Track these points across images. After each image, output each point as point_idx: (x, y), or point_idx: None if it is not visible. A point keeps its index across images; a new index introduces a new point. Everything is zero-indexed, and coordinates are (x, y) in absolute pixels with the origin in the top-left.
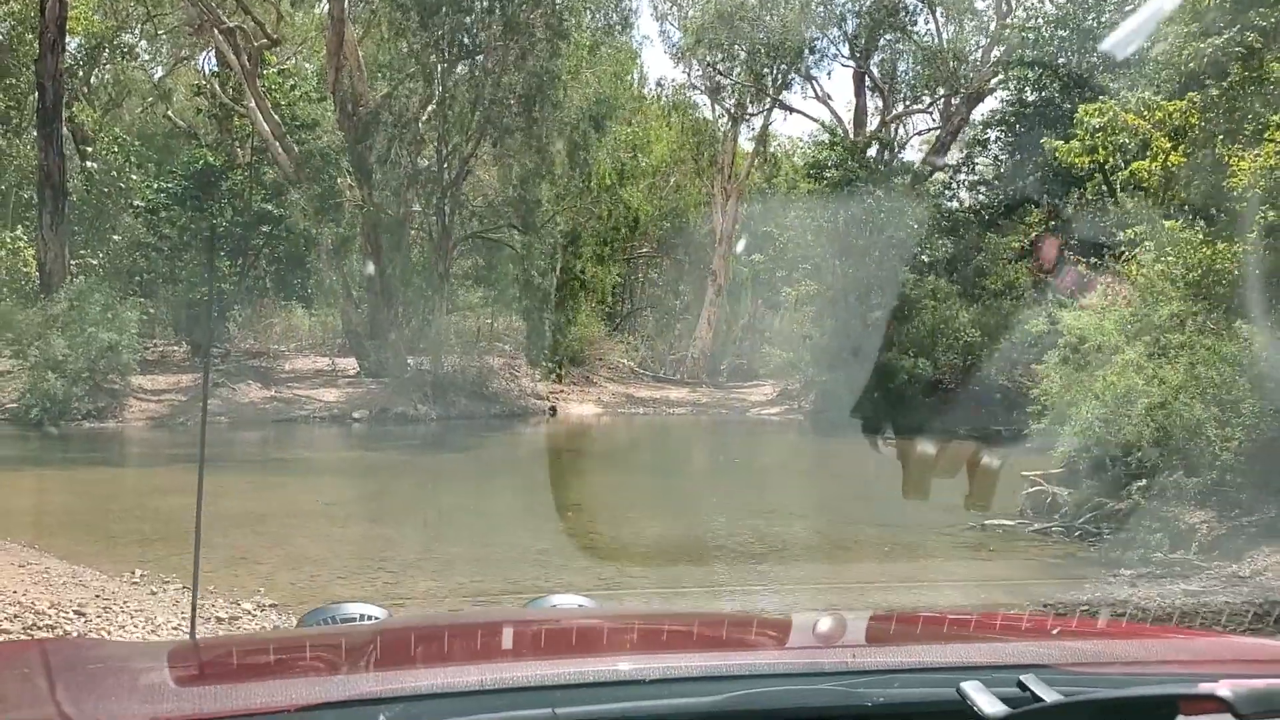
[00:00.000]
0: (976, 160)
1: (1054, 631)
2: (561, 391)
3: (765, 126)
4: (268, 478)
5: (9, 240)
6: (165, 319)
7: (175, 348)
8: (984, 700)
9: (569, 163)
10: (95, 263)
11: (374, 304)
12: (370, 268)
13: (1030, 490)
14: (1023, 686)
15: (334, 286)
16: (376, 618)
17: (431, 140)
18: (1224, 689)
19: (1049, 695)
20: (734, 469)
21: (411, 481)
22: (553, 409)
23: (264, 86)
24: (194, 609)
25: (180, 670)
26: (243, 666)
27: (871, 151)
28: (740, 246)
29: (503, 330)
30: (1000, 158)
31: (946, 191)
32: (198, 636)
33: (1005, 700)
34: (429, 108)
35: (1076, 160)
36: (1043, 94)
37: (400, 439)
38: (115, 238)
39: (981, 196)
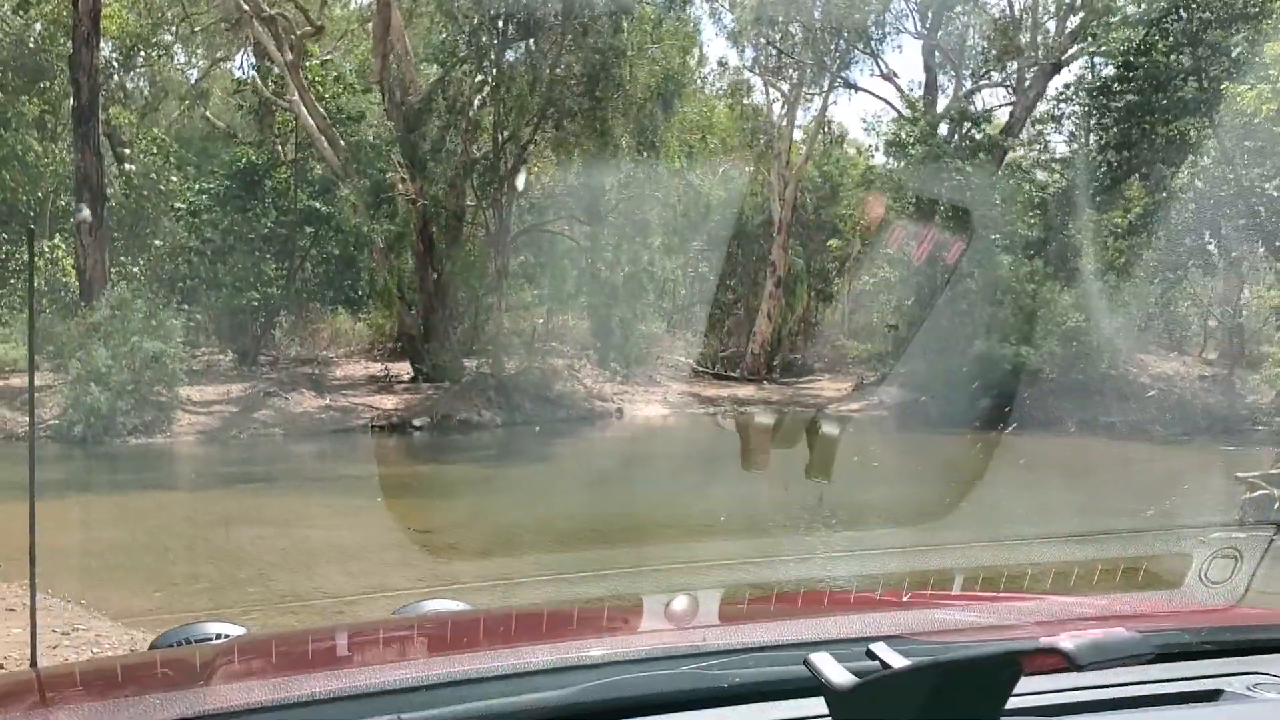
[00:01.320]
0: (1070, 131)
1: (906, 601)
2: (625, 392)
3: (824, 109)
4: (343, 499)
5: (48, 249)
6: (209, 327)
7: (221, 356)
8: (832, 671)
9: (636, 146)
10: (136, 270)
11: (428, 304)
12: (425, 265)
13: (1254, 495)
14: (871, 655)
15: (387, 286)
16: (231, 636)
17: (487, 127)
18: (1064, 641)
19: (897, 663)
20: (882, 473)
21: (504, 500)
22: (619, 411)
23: (307, 79)
24: (34, 633)
25: (18, 701)
26: (86, 693)
27: (943, 128)
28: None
29: (559, 329)
30: (1103, 125)
31: (1036, 167)
32: (40, 666)
33: (855, 672)
34: (483, 92)
35: (1263, 107)
36: (1150, 55)
37: (470, 449)
38: (157, 242)
39: (1079, 170)
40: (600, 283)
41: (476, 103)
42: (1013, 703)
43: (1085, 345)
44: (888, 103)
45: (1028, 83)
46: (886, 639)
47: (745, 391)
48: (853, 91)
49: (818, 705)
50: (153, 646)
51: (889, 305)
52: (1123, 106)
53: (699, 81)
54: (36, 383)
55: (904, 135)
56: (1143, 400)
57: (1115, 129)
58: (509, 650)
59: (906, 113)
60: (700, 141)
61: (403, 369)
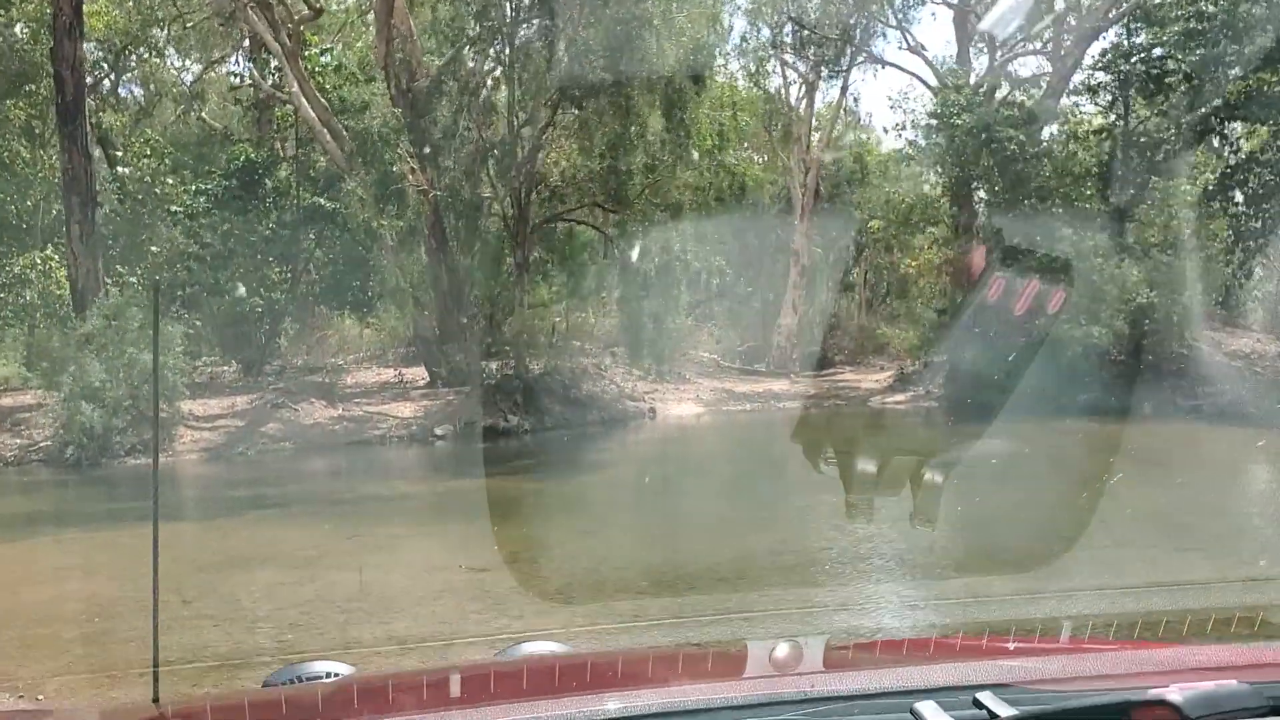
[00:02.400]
0: (1118, 94)
1: (1012, 650)
2: (655, 391)
3: (845, 86)
4: (370, 527)
5: (39, 260)
6: (211, 337)
7: (225, 368)
8: None
9: (665, 124)
10: (134, 279)
11: (443, 303)
12: (438, 261)
13: None
14: (978, 704)
15: (398, 285)
16: (342, 675)
17: (502, 110)
18: (1174, 694)
19: (1004, 712)
20: (1009, 473)
21: (563, 525)
22: (652, 411)
23: (307, 69)
24: (156, 665)
25: None
26: None
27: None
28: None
29: (582, 325)
30: (1164, 84)
31: (1091, 135)
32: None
33: None
34: (496, 73)
35: None
36: (1220, 5)
37: (503, 459)
38: (154, 249)
39: (1138, 135)
40: (630, 273)
41: (489, 84)
42: None
43: (1156, 323)
44: (917, 77)
45: (1063, 51)
46: (993, 688)
47: (779, 386)
48: (878, 67)
49: None
50: (265, 685)
51: (934, 289)
52: (1195, 60)
53: (722, 58)
54: (27, 400)
55: (948, 105)
56: (1225, 381)
57: (1182, 87)
58: (616, 694)
59: (936, 86)
60: (731, 120)
61: (417, 374)
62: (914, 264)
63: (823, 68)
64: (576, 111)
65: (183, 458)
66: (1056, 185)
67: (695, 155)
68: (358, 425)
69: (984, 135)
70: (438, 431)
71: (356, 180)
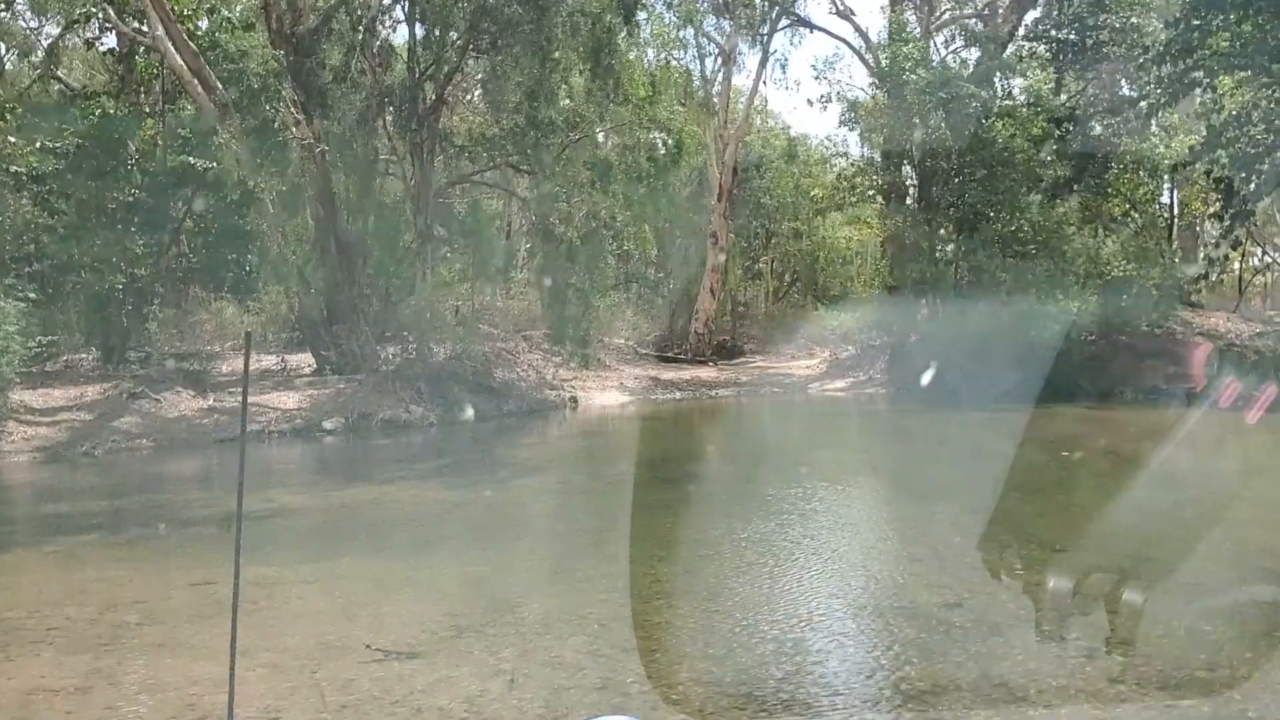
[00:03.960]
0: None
1: None
2: (574, 378)
3: (765, 58)
4: (229, 564)
5: None
6: (67, 320)
7: (83, 355)
8: None
9: (591, 68)
10: None
11: (332, 278)
12: (327, 229)
13: None
14: None
15: (281, 255)
16: None
17: (402, 52)
18: None
19: None
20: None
21: (507, 555)
22: (573, 400)
23: (175, 12)
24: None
25: None
26: None
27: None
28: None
29: (491, 305)
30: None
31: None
32: None
33: None
34: (397, 10)
35: None
36: None
37: (406, 458)
38: None
39: (1105, 96)
40: (554, 242)
41: (388, 23)
42: None
43: (1135, 299)
44: (846, 43)
45: (1001, 13)
46: None
47: (706, 374)
48: (806, 32)
49: None
50: None
51: (875, 268)
52: (1192, 2)
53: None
54: None
55: (899, 60)
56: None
57: (1170, 33)
58: None
59: (881, 43)
60: (664, 67)
61: (304, 360)
62: (848, 242)
63: (744, 31)
64: (488, 55)
65: (9, 459)
66: (1021, 149)
67: (626, 106)
68: (230, 418)
69: (942, 92)
70: (326, 425)
71: (229, 131)
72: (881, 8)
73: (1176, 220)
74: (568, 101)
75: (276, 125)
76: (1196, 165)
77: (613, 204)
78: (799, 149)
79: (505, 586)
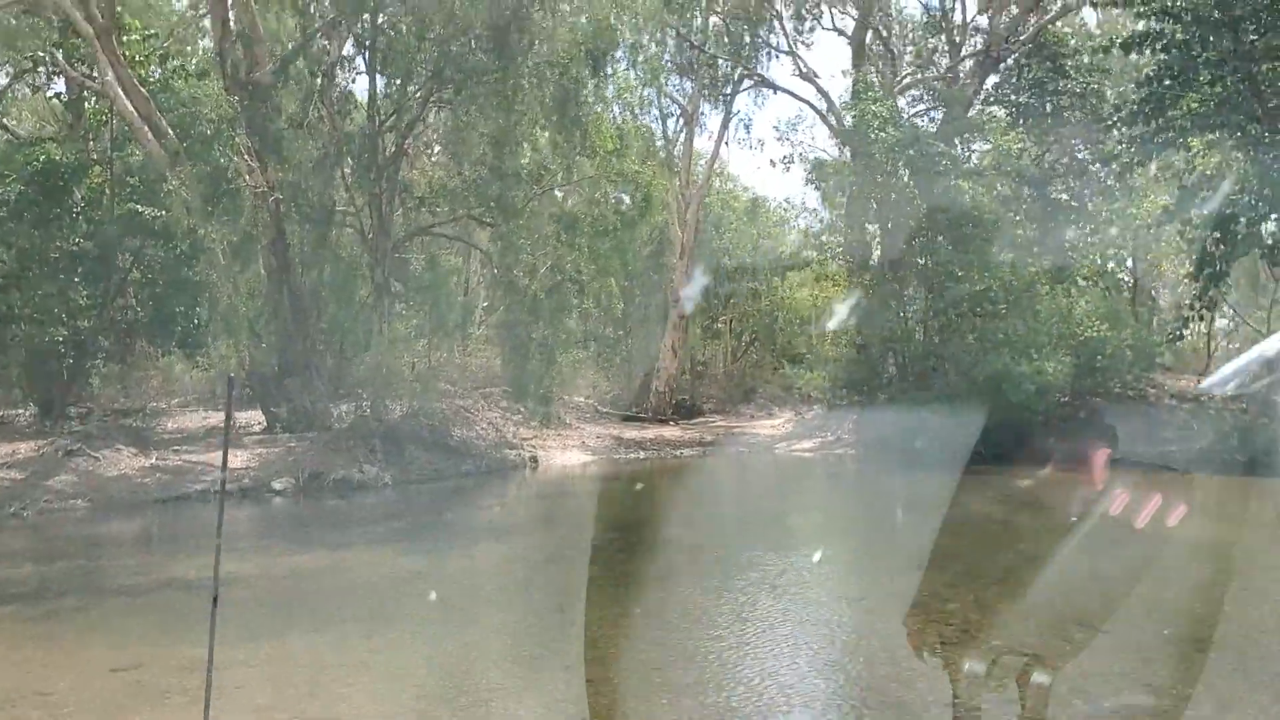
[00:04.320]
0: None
1: None
2: (534, 437)
3: (727, 119)
4: (162, 646)
5: None
6: (8, 376)
7: (20, 411)
8: None
9: (558, 119)
10: None
11: (284, 332)
12: (280, 281)
13: None
14: None
15: (232, 306)
16: None
17: (362, 102)
18: None
19: None
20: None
21: (483, 635)
22: (534, 460)
23: (125, 55)
24: None
25: None
26: None
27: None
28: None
29: (448, 362)
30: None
31: (1023, 154)
32: None
33: None
34: (358, 54)
35: None
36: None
37: (361, 520)
38: None
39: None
40: (518, 294)
41: (348, 68)
42: None
43: (1110, 360)
44: (809, 104)
45: (963, 77)
46: None
47: (670, 433)
48: (770, 93)
49: None
50: None
51: (845, 328)
52: (1165, 63)
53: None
54: None
55: (865, 119)
56: (1193, 425)
57: (1143, 93)
58: None
59: (847, 102)
60: (632, 120)
61: (253, 417)
62: (815, 299)
63: (706, 91)
64: (451, 105)
65: None
66: (989, 209)
67: (594, 157)
68: (174, 477)
69: (910, 150)
70: (276, 485)
71: (179, 178)
72: (844, 71)
73: (1138, 282)
74: (533, 154)
75: (229, 173)
76: (1168, 227)
77: (578, 257)
78: (758, 210)
79: (478, 674)
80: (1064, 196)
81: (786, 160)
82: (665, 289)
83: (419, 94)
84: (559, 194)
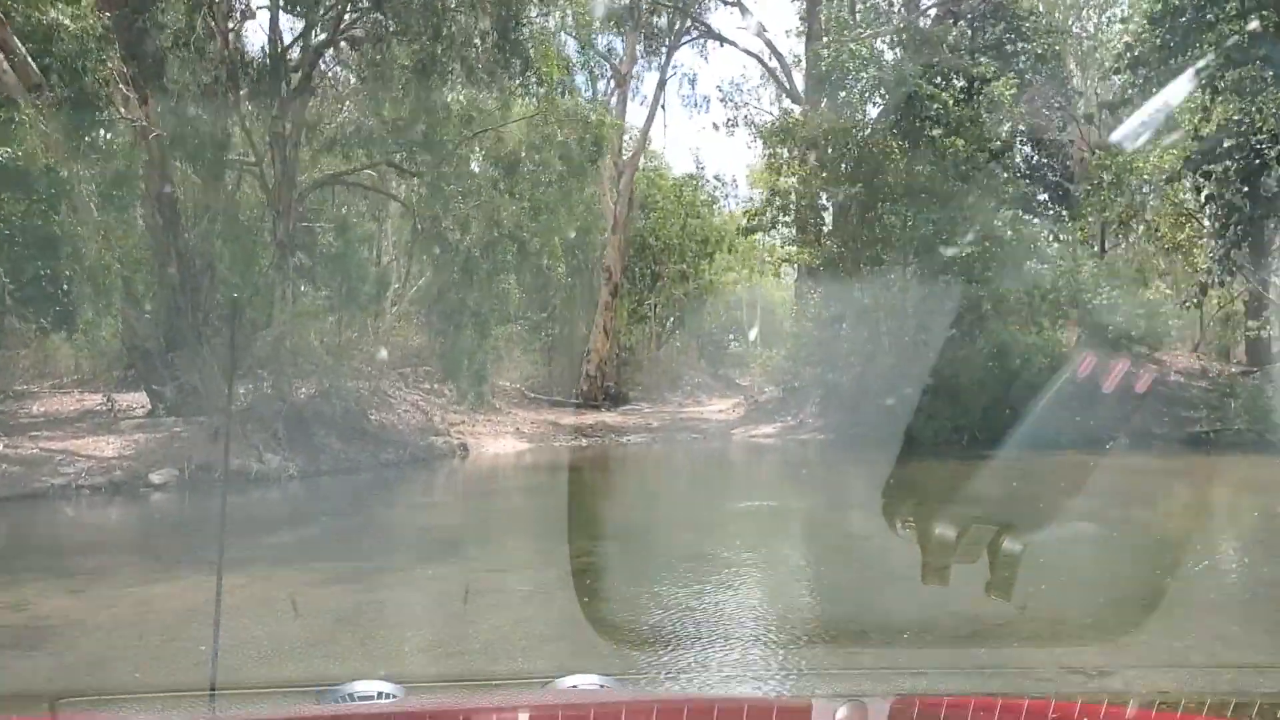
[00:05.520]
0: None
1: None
2: (462, 422)
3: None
4: None
5: None
6: None
7: None
8: None
9: (496, 45)
10: None
11: (171, 300)
12: (165, 237)
13: None
14: None
15: (104, 265)
16: (394, 696)
17: (262, 20)
18: None
19: None
20: None
21: None
22: (463, 447)
23: None
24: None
25: None
26: None
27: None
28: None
29: (362, 334)
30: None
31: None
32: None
33: None
34: None
35: None
36: None
37: (262, 524)
38: None
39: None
40: (450, 255)
41: None
42: None
43: (1119, 329)
44: (759, 60)
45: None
46: None
47: (611, 418)
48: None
49: None
50: (318, 700)
51: (810, 300)
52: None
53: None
54: None
55: (841, 59)
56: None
57: (1159, 30)
58: None
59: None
60: (585, 52)
61: (136, 400)
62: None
63: (643, 45)
64: (371, 21)
65: None
66: (981, 165)
67: (539, 91)
68: (27, 469)
69: (903, 90)
70: (155, 478)
71: (36, 104)
72: (790, 31)
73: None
74: (465, 87)
75: (100, 103)
76: (1183, 180)
77: (519, 211)
78: (687, 188)
79: None
80: (1065, 143)
81: (730, 123)
82: (594, 265)
83: (331, 10)
84: (495, 136)
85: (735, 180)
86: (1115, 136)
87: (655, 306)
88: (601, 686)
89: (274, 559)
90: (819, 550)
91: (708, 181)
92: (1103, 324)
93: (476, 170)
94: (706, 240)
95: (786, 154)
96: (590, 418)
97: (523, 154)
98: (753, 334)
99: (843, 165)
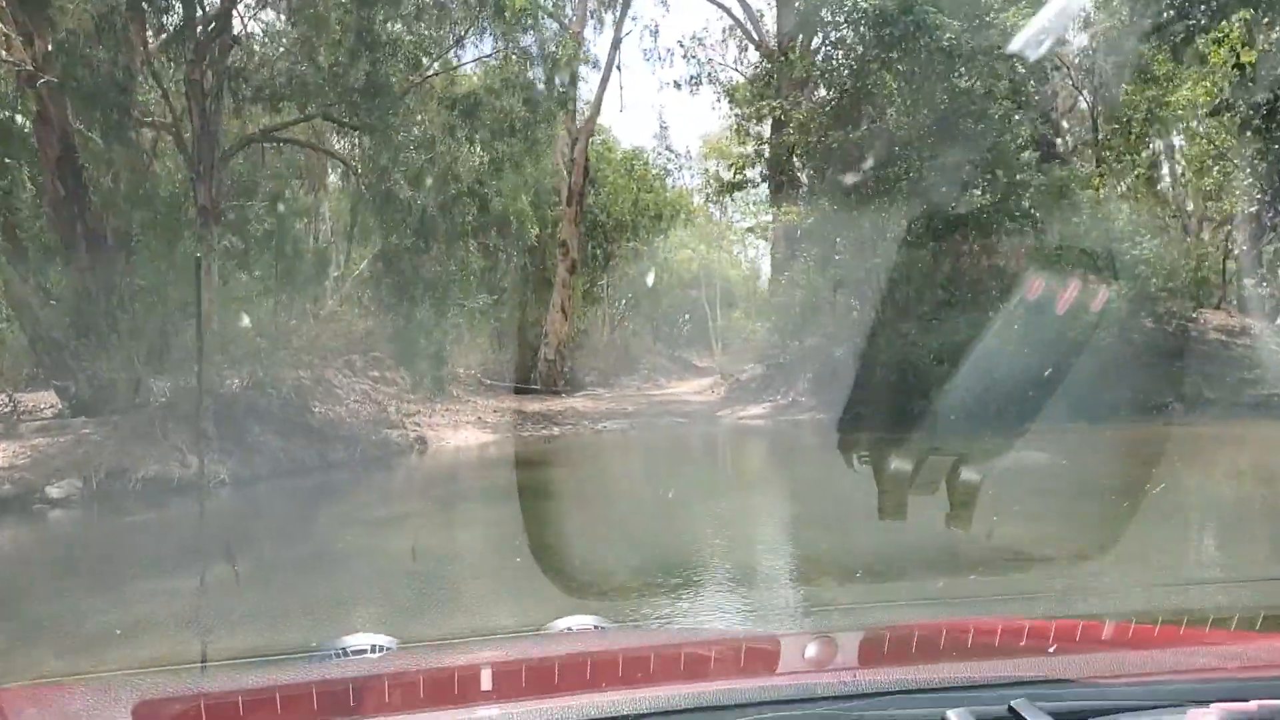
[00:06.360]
0: None
1: (1053, 641)
2: (417, 413)
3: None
4: None
5: None
6: None
7: None
8: None
9: None
10: None
11: (79, 282)
12: (70, 207)
13: None
14: (1013, 711)
15: None
16: (387, 648)
17: None
18: (1213, 716)
19: None
20: None
21: None
22: (421, 441)
23: None
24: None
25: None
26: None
27: None
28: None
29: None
30: None
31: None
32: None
33: None
34: None
35: None
36: None
37: (179, 556)
38: None
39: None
40: (396, 214)
41: None
42: None
43: (1159, 284)
44: (727, 11)
45: None
46: (1029, 684)
47: (580, 404)
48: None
49: None
50: (311, 655)
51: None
52: None
53: None
54: None
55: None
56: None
57: None
58: (649, 689)
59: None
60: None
61: (43, 399)
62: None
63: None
64: None
65: None
66: (1001, 106)
67: (503, 27)
68: None
69: (909, 18)
70: (53, 491)
71: None
72: None
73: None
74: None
75: None
76: (1222, 116)
77: (480, 167)
78: (636, 163)
79: None
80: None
81: (694, 80)
82: (546, 241)
83: None
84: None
85: (689, 152)
86: (1142, 71)
87: (607, 287)
88: (595, 628)
89: (184, 623)
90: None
91: (660, 154)
92: (1143, 278)
93: (428, 120)
94: (660, 216)
95: (771, 101)
96: (556, 404)
97: (482, 96)
98: (716, 313)
99: (836, 108)
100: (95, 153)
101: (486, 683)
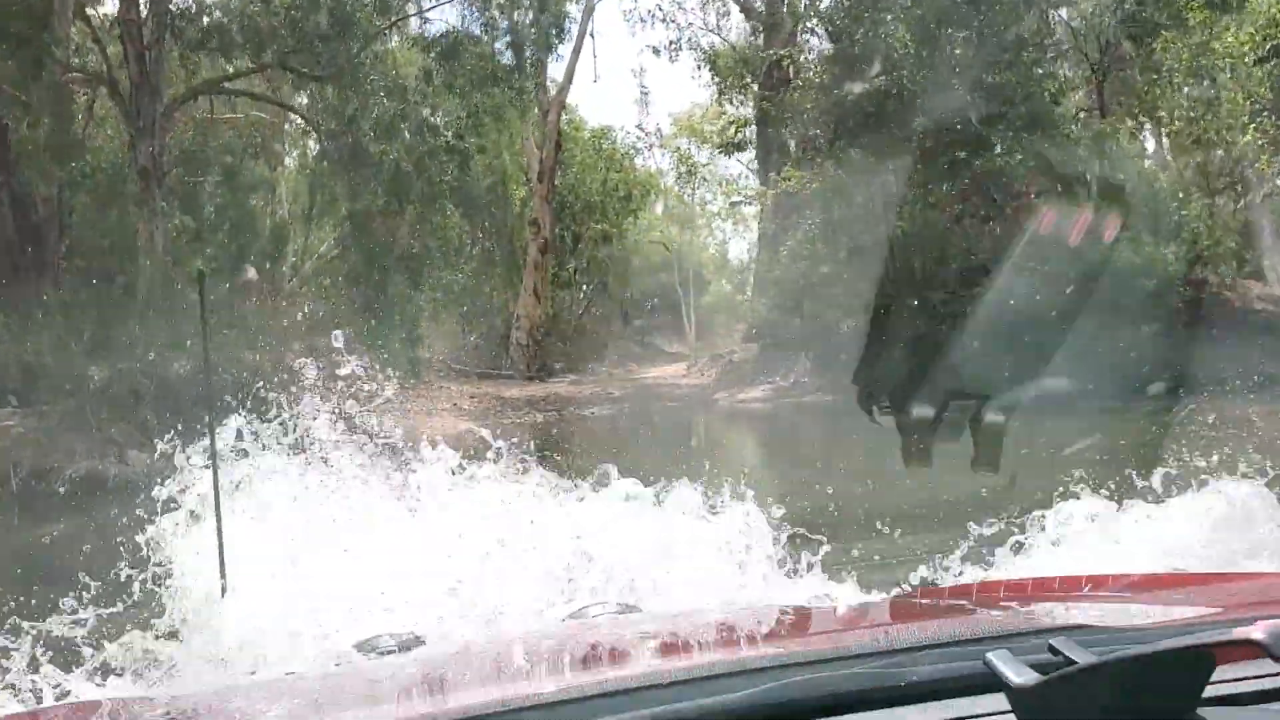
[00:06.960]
0: None
1: (1086, 589)
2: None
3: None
4: None
5: None
6: None
7: None
8: (1011, 670)
9: None
10: None
11: (8, 254)
12: None
13: None
14: (1054, 650)
15: None
16: (420, 641)
17: None
18: (1258, 631)
19: (1081, 658)
20: None
21: None
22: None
23: None
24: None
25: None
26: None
27: None
28: None
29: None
30: None
31: None
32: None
33: (1036, 667)
34: None
35: None
36: None
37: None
38: None
39: None
40: (365, 171)
41: None
42: (1205, 691)
43: (1213, 248)
44: None
45: None
46: (1067, 631)
47: (562, 389)
48: None
49: (998, 701)
50: (358, 650)
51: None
52: None
53: None
54: None
55: None
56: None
57: None
58: (684, 656)
59: None
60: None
61: None
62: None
63: None
64: None
65: None
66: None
67: None
68: None
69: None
70: None
71: None
72: None
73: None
74: None
75: None
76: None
77: (458, 123)
78: (604, 141)
79: None
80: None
81: (674, 46)
82: (514, 221)
83: None
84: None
85: (660, 130)
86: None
87: (576, 270)
88: (620, 613)
89: None
90: None
91: (629, 133)
92: (1191, 241)
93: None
94: (629, 197)
95: (765, 53)
96: (537, 389)
97: (461, 37)
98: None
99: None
100: (16, 92)
101: (523, 665)
